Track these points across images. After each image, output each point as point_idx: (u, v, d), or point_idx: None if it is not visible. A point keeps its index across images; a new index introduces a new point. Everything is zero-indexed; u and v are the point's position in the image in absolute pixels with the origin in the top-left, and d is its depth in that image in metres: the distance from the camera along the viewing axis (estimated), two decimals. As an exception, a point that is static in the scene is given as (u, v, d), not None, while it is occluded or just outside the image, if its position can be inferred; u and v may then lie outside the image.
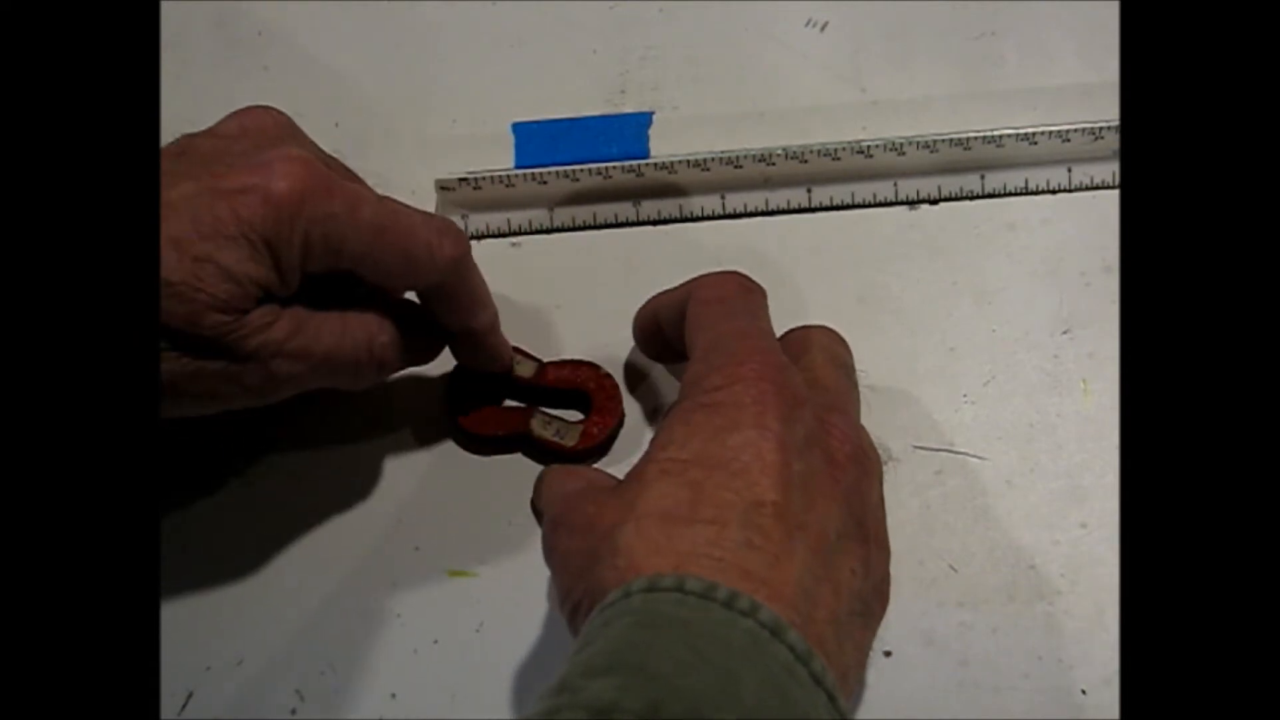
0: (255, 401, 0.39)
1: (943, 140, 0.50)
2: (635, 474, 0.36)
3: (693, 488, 0.34)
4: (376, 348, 0.41)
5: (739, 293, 0.41)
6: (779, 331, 0.41)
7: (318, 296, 0.39)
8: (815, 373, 0.40)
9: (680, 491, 0.34)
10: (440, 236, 0.40)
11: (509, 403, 0.47)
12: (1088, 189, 0.50)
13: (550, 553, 0.38)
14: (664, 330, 0.43)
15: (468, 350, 0.44)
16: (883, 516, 0.38)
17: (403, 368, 0.43)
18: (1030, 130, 0.50)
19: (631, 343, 0.47)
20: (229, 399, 0.38)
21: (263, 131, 0.39)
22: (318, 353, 0.39)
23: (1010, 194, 0.50)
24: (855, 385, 0.42)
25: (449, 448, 0.46)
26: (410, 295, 0.43)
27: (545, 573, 0.40)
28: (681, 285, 0.42)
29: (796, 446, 0.35)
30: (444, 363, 0.47)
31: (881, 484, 0.39)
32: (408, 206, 0.40)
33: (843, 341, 0.43)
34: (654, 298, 0.44)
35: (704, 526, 0.34)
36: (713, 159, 0.50)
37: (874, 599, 0.37)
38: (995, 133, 0.50)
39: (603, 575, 0.34)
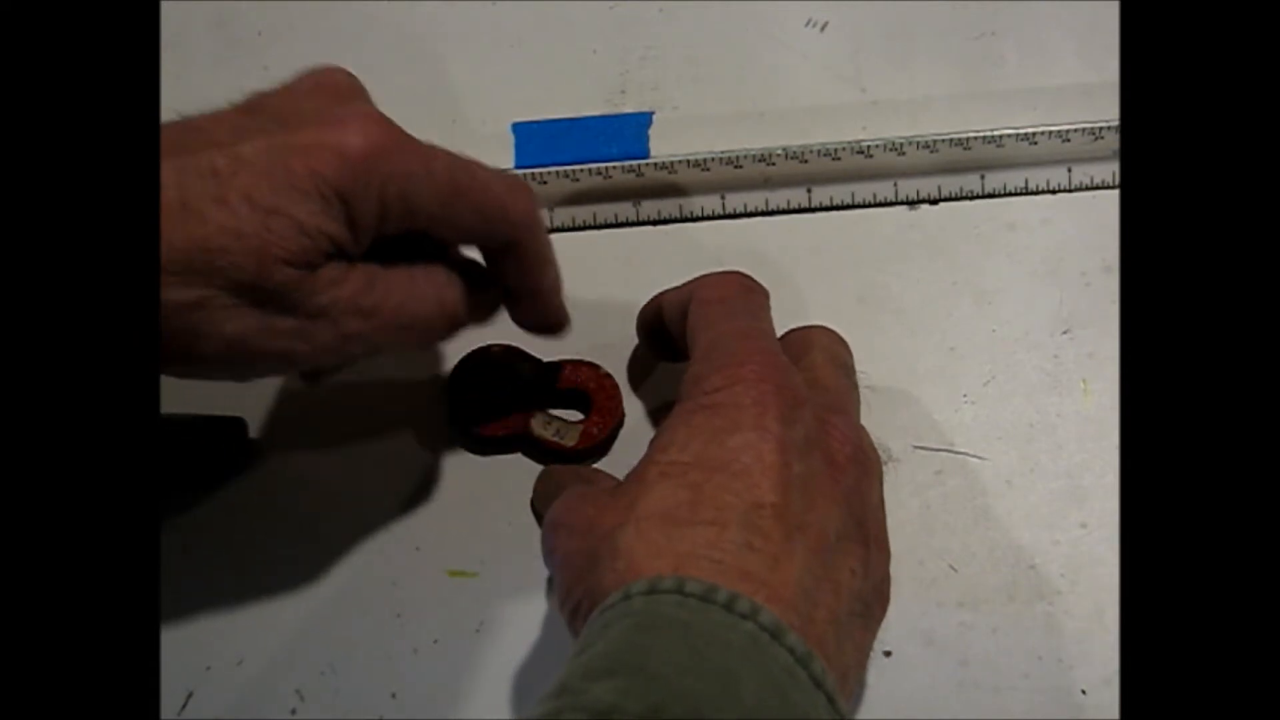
0: (328, 360, 0.38)
1: (943, 140, 0.50)
2: (635, 475, 0.36)
3: (693, 489, 0.34)
4: (448, 304, 0.40)
5: (740, 293, 0.41)
6: (779, 331, 0.41)
7: (385, 253, 0.38)
8: (815, 373, 0.40)
9: (680, 493, 0.34)
10: (514, 194, 0.39)
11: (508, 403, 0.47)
12: (1088, 189, 0.50)
13: (549, 554, 0.38)
14: (667, 329, 0.43)
15: (529, 311, 0.43)
16: (883, 517, 0.38)
17: (470, 325, 0.42)
18: (1030, 130, 0.50)
19: (632, 342, 0.47)
20: (301, 358, 0.37)
21: (336, 89, 0.39)
22: (388, 310, 0.38)
23: (1010, 194, 0.50)
24: (855, 386, 0.42)
25: (449, 448, 0.46)
26: (472, 252, 0.42)
27: (545, 573, 0.40)
28: (685, 284, 0.42)
29: (796, 448, 0.35)
30: (444, 362, 0.47)
31: (882, 485, 0.39)
32: (479, 163, 0.39)
33: (843, 342, 0.43)
34: (657, 296, 0.44)
35: (704, 528, 0.34)
36: (713, 159, 0.50)
37: (874, 599, 0.37)
38: (995, 133, 0.50)
39: (603, 577, 0.34)
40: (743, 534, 0.33)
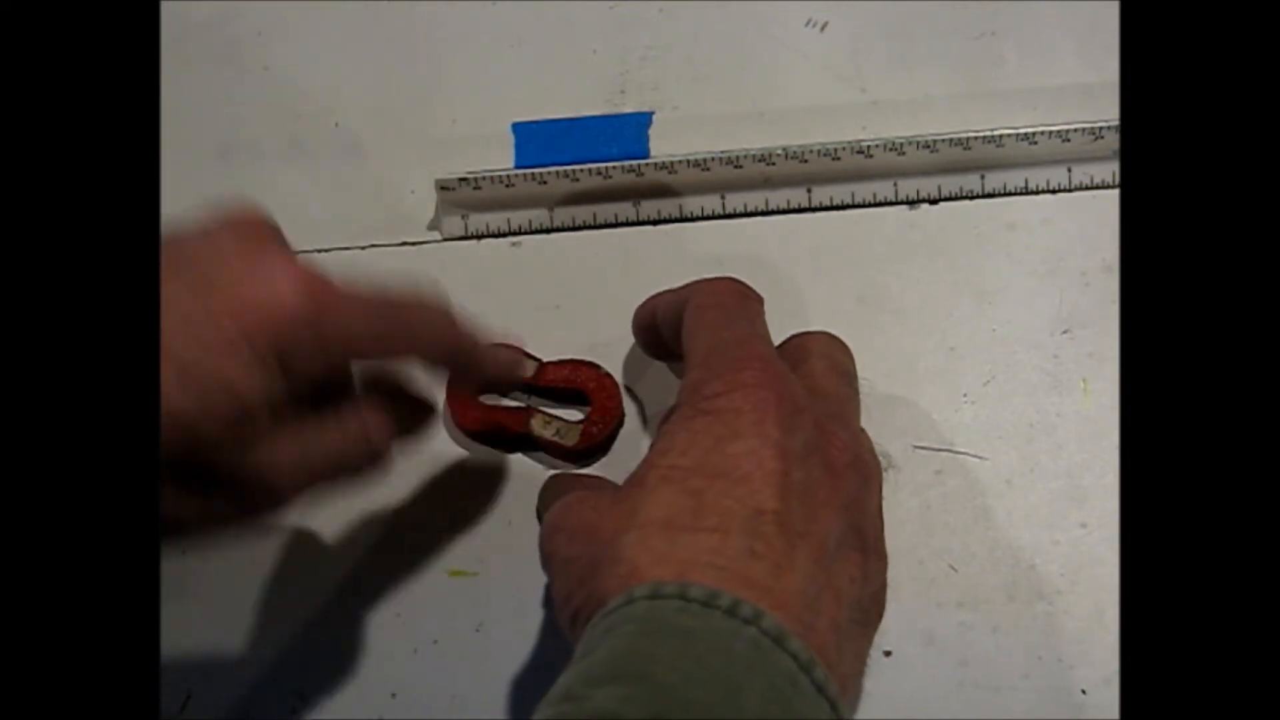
0: (261, 522, 0.37)
1: (943, 140, 0.50)
2: (636, 480, 0.36)
3: (694, 496, 0.34)
4: (376, 443, 0.38)
5: (736, 299, 0.41)
6: (782, 334, 0.41)
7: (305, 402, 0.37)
8: (815, 380, 0.40)
9: (682, 499, 0.34)
10: (440, 314, 0.39)
11: (509, 402, 0.47)
12: (1088, 189, 0.50)
13: (549, 558, 0.38)
14: (661, 331, 0.43)
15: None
16: (881, 525, 0.38)
17: (400, 442, 0.40)
18: (1030, 130, 0.50)
19: (631, 342, 0.47)
20: (237, 525, 0.36)
21: (258, 235, 0.36)
22: (321, 461, 0.37)
23: (1010, 194, 0.50)
24: (856, 392, 0.42)
25: (449, 448, 0.46)
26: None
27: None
28: (679, 288, 0.42)
29: (797, 455, 0.35)
30: (444, 363, 0.47)
31: (881, 492, 0.39)
32: (400, 289, 0.38)
33: (844, 347, 0.43)
34: (652, 298, 0.44)
35: (706, 535, 0.33)
36: (713, 159, 0.50)
37: (871, 607, 0.37)
38: (995, 133, 0.50)
39: (604, 583, 0.34)
40: (745, 541, 0.33)
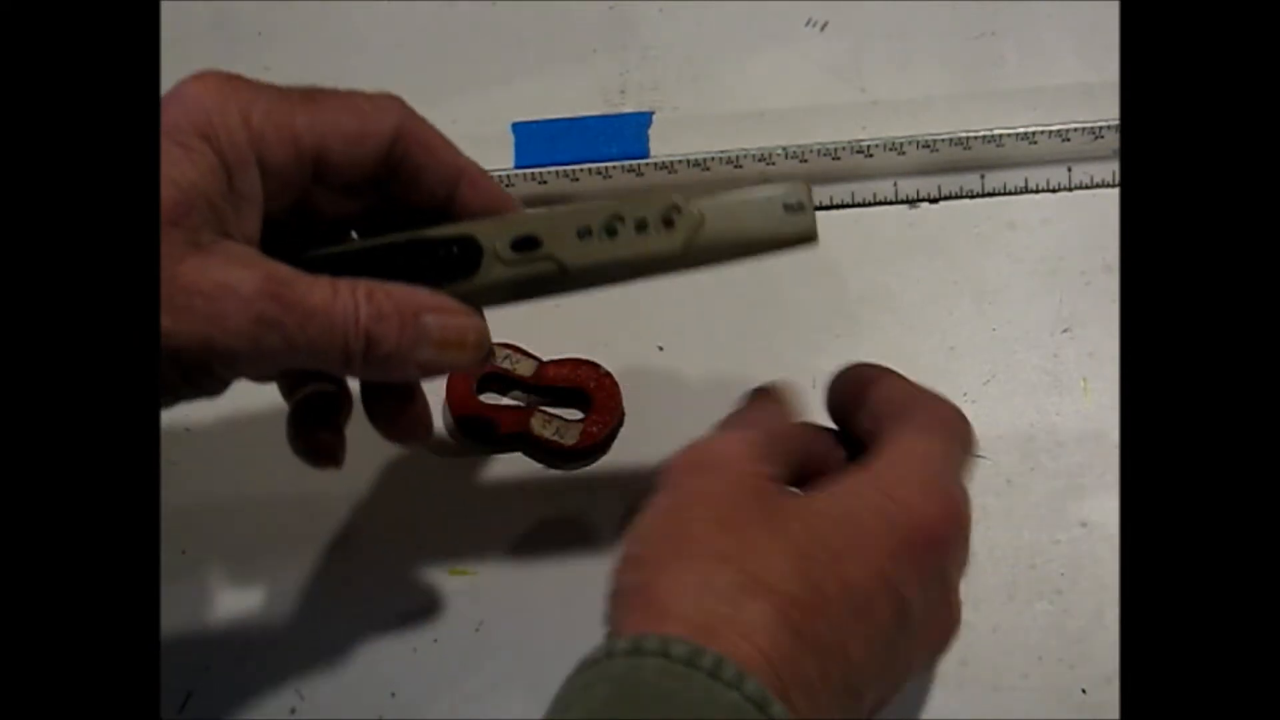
0: (245, 349, 0.33)
1: (943, 140, 0.50)
2: (782, 508, 0.34)
3: (810, 588, 0.32)
4: (365, 318, 0.34)
5: (970, 433, 0.38)
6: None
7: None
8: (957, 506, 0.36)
9: (796, 581, 0.32)
10: (372, 101, 0.37)
11: (509, 401, 0.47)
12: (1088, 188, 0.50)
13: (671, 485, 0.35)
14: (863, 403, 0.38)
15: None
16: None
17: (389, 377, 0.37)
18: (1030, 130, 0.50)
19: (632, 341, 0.47)
20: (219, 343, 0.33)
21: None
22: (301, 306, 0.33)
23: (1010, 193, 0.50)
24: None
25: (449, 447, 0.46)
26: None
27: (545, 572, 0.40)
28: (914, 385, 0.39)
29: (910, 619, 0.33)
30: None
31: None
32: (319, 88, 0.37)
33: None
34: (880, 371, 0.39)
35: (790, 636, 0.31)
36: (713, 159, 0.50)
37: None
38: (995, 132, 0.50)
39: (673, 594, 0.32)
40: (813, 669, 0.31)
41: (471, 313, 0.37)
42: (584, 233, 0.37)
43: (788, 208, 0.37)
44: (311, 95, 0.36)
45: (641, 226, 0.37)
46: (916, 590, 0.33)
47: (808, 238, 0.37)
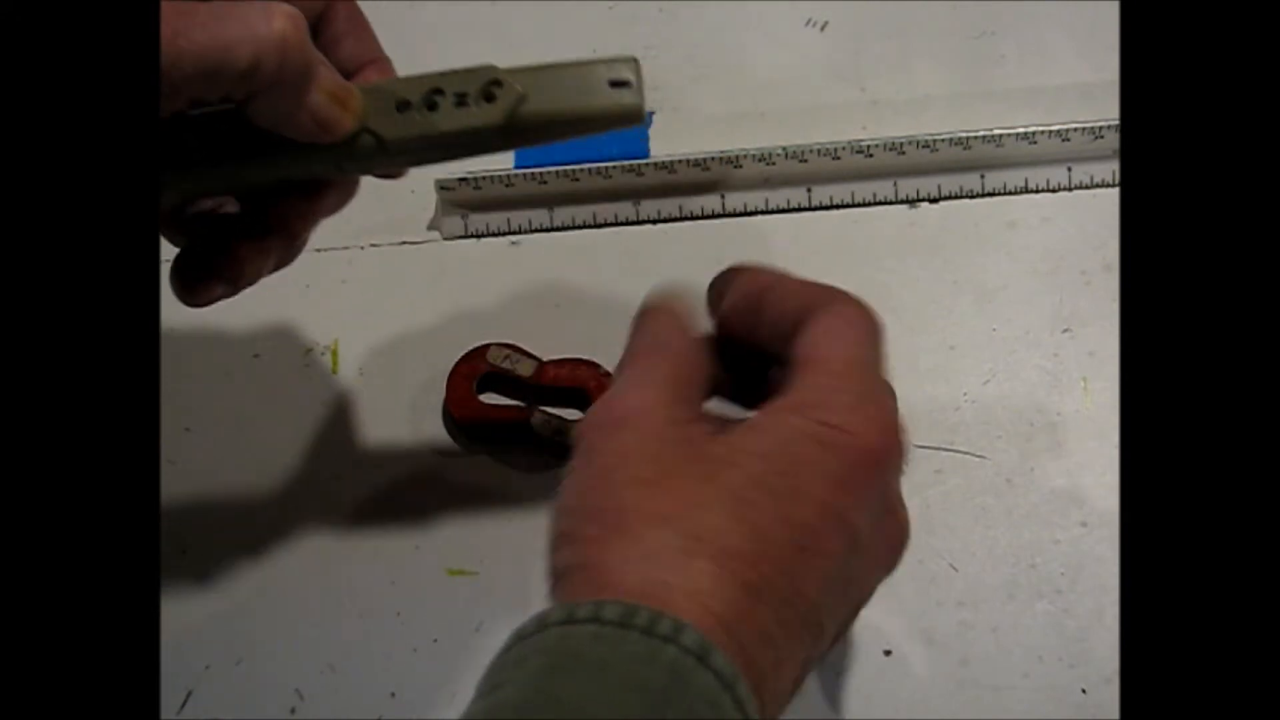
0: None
1: (943, 140, 0.50)
2: (713, 455, 0.32)
3: (755, 539, 0.31)
4: (285, 27, 0.33)
5: (881, 333, 0.36)
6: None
7: None
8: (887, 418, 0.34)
9: (740, 534, 0.31)
10: None
11: (509, 401, 0.47)
12: (1088, 188, 0.50)
13: (588, 449, 0.34)
14: (761, 313, 0.37)
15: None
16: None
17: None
18: (1030, 130, 0.50)
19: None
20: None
21: None
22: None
23: (1010, 193, 0.50)
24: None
25: (449, 447, 0.46)
26: None
27: (544, 572, 0.40)
28: (810, 283, 0.38)
29: (860, 544, 0.33)
30: (444, 360, 0.47)
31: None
32: None
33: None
34: (765, 273, 0.38)
35: (741, 592, 0.30)
36: (713, 159, 0.50)
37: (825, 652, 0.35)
38: (995, 132, 0.50)
39: (616, 562, 0.31)
40: (770, 621, 0.31)
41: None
42: (403, 106, 0.36)
43: (614, 84, 0.36)
44: None
45: (461, 100, 0.36)
46: (864, 515, 0.33)
47: (633, 115, 0.36)
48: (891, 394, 0.35)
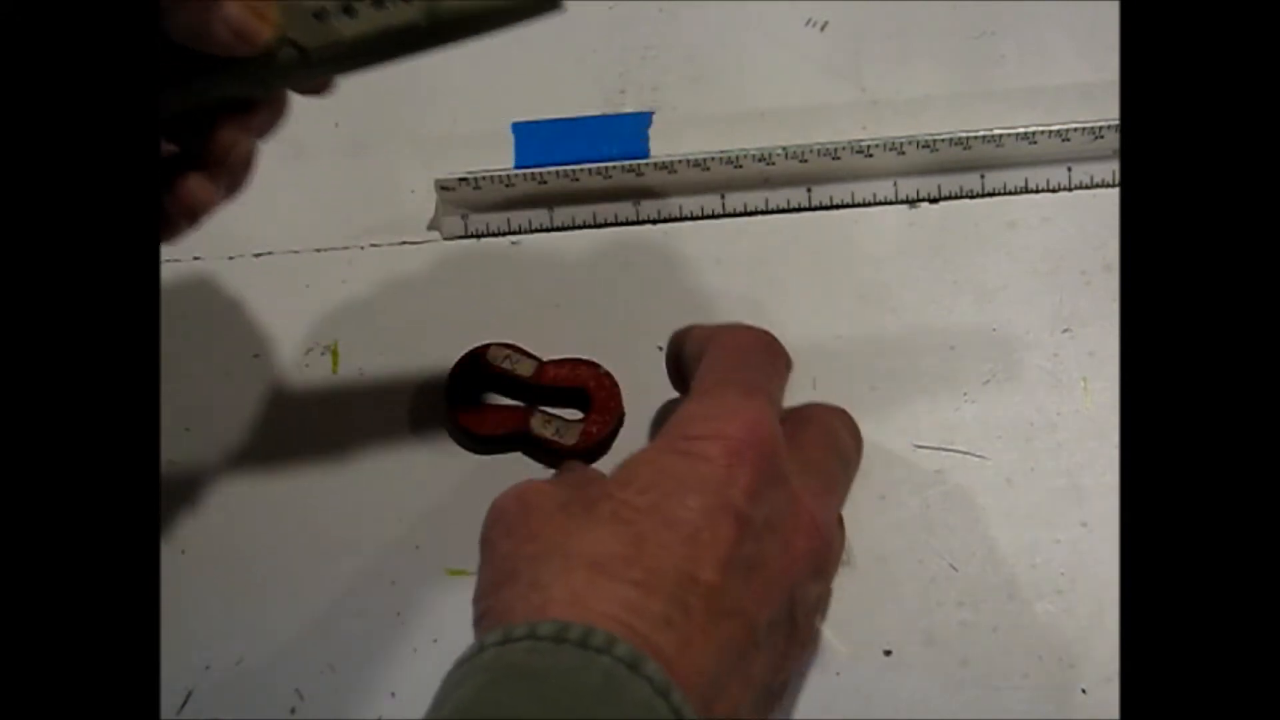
0: None
1: (943, 140, 0.50)
2: (589, 499, 0.35)
3: (635, 543, 0.33)
4: None
5: (761, 351, 0.39)
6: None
7: None
8: (807, 451, 0.38)
9: (622, 542, 0.33)
10: None
11: (509, 402, 0.47)
12: (1088, 188, 0.50)
13: (483, 543, 0.37)
14: (683, 363, 0.41)
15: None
16: (818, 612, 0.37)
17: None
18: (1030, 130, 0.50)
19: (632, 341, 0.47)
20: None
21: None
22: None
23: (1010, 193, 0.50)
24: (849, 477, 0.40)
25: (449, 447, 0.46)
26: None
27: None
28: (715, 325, 0.41)
29: (755, 528, 0.34)
30: (444, 360, 0.47)
31: (830, 582, 0.38)
32: None
33: (852, 427, 0.41)
34: (686, 329, 0.42)
35: (629, 588, 0.32)
36: (713, 159, 0.50)
37: (780, 691, 0.36)
38: (995, 132, 0.50)
39: (514, 601, 0.33)
40: (665, 606, 0.32)
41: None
42: (320, 14, 0.36)
43: None
44: None
45: (379, 2, 0.36)
46: (747, 501, 0.34)
47: (551, 3, 0.37)
48: (770, 399, 0.37)
